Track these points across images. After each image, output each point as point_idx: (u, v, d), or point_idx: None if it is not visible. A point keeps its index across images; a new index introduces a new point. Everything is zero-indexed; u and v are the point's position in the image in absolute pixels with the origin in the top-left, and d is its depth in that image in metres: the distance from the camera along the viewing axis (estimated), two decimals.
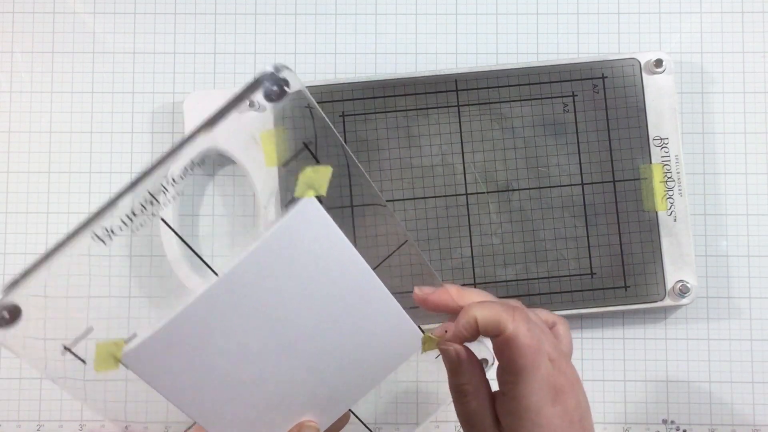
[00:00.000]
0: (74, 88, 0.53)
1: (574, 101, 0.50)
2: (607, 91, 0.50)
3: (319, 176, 0.30)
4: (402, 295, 0.35)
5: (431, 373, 0.48)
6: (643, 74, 0.50)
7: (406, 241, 0.38)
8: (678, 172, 0.49)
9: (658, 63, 0.49)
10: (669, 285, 0.49)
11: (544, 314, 0.37)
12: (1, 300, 0.29)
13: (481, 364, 0.36)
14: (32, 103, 0.53)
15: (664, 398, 0.51)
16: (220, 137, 0.50)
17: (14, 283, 0.29)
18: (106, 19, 0.53)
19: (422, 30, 0.53)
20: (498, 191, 0.50)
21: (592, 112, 0.50)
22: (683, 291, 0.48)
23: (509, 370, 0.33)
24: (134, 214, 0.31)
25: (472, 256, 0.49)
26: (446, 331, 0.34)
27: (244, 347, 0.31)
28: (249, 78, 0.53)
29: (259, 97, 0.29)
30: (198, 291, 0.30)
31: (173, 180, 0.30)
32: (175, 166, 0.30)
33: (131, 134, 0.53)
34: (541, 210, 0.49)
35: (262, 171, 0.50)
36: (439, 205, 0.50)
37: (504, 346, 0.33)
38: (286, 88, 0.29)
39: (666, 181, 0.49)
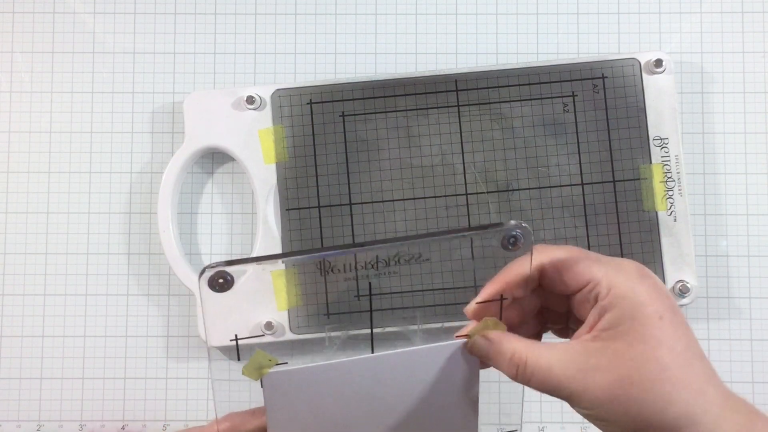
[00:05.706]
0: (74, 88, 0.53)
1: (574, 101, 0.50)
2: (607, 91, 0.50)
3: (491, 326, 0.32)
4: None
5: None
6: (643, 74, 0.50)
7: None
8: (678, 172, 0.49)
9: (658, 63, 0.49)
10: (669, 285, 0.49)
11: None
12: (225, 267, 0.31)
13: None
14: (32, 103, 0.53)
15: None
16: (218, 136, 0.50)
17: (237, 261, 0.32)
18: (106, 19, 0.53)
19: (422, 30, 0.53)
20: (498, 191, 0.49)
21: (592, 112, 0.50)
22: (683, 291, 0.48)
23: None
24: (351, 268, 0.36)
25: (473, 257, 0.49)
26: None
27: (353, 425, 0.34)
28: (250, 78, 0.53)
29: (486, 238, 0.33)
30: (348, 358, 0.33)
31: (386, 262, 0.36)
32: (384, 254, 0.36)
33: (131, 134, 0.53)
34: (541, 210, 0.49)
35: (260, 168, 0.50)
36: (439, 205, 0.49)
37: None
38: (519, 243, 0.32)
39: (666, 181, 0.49)
